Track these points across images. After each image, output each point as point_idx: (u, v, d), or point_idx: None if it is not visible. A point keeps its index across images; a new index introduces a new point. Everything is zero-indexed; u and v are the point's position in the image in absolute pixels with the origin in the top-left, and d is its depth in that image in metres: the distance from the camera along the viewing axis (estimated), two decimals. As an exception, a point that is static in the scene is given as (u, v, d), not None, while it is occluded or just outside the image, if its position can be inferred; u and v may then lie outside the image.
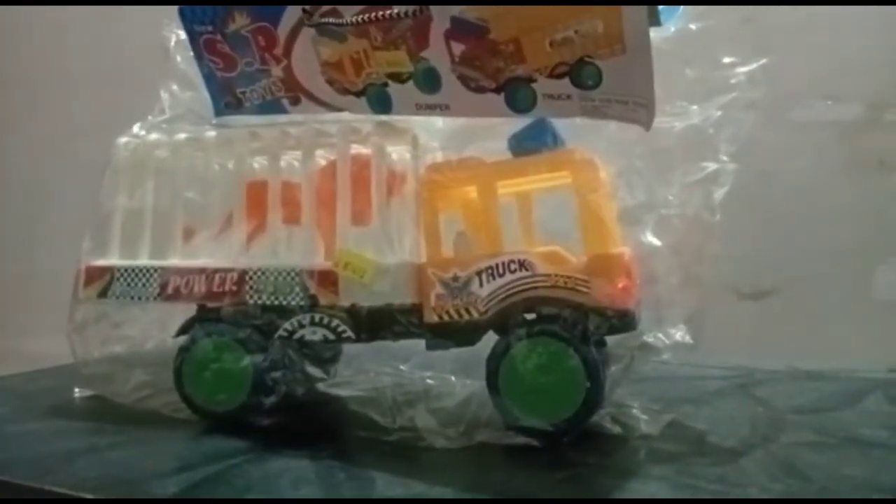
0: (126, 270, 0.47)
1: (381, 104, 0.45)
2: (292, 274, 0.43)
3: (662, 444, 0.40)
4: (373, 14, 0.41)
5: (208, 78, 0.51)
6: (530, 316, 0.40)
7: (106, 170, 0.49)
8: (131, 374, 0.48)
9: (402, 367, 0.53)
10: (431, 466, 0.37)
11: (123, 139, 0.49)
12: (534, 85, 0.39)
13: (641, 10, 0.33)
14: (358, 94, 0.46)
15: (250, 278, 0.44)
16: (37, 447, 0.41)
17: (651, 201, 0.38)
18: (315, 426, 0.45)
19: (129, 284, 0.46)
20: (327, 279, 0.42)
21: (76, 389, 0.52)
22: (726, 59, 0.38)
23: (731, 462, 0.36)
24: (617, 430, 0.41)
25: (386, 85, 0.44)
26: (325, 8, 0.43)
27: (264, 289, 0.44)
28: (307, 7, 0.44)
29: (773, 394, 0.50)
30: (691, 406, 0.47)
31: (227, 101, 0.51)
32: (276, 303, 0.43)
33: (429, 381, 0.51)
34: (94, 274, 0.47)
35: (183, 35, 0.53)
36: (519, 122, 0.42)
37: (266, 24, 0.47)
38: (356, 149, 0.45)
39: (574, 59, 0.36)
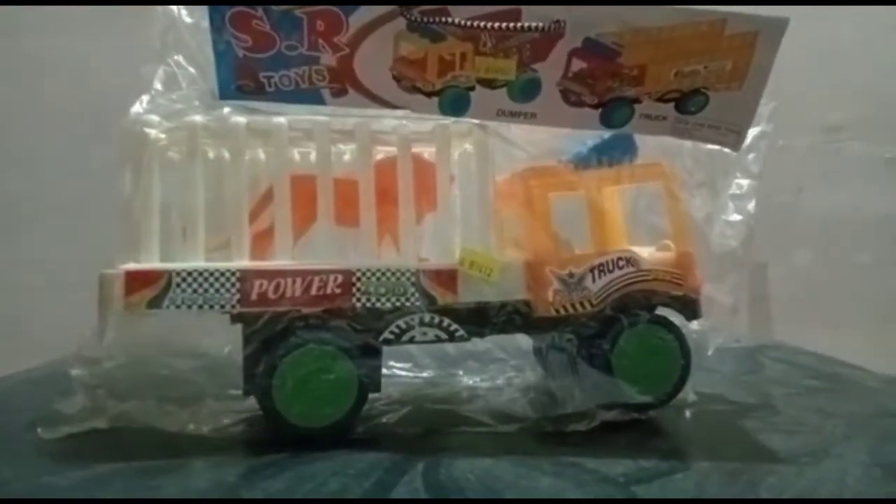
0: (190, 275, 0.39)
1: (456, 107, 0.46)
2: (407, 274, 0.42)
3: (709, 406, 0.49)
4: (498, 23, 0.42)
5: (223, 55, 0.46)
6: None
7: (133, 156, 0.40)
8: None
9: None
10: (610, 447, 0.40)
11: (153, 118, 0.41)
12: (636, 105, 0.45)
13: (771, 58, 0.41)
14: (430, 93, 0.46)
15: (358, 279, 0.41)
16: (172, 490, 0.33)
17: (714, 209, 0.47)
18: (410, 428, 0.44)
19: (195, 291, 0.39)
20: (446, 278, 0.42)
21: (39, 429, 0.42)
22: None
23: (780, 412, 0.47)
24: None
25: (471, 89, 0.45)
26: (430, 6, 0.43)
27: (374, 290, 0.41)
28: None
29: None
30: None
31: (241, 83, 0.46)
32: (389, 305, 0.41)
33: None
34: (140, 279, 0.39)
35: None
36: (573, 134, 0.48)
37: (334, 8, 0.44)
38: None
39: (690, 88, 0.43)
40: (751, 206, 0.49)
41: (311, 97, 0.46)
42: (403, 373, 0.53)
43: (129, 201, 0.40)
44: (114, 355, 0.42)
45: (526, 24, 0.42)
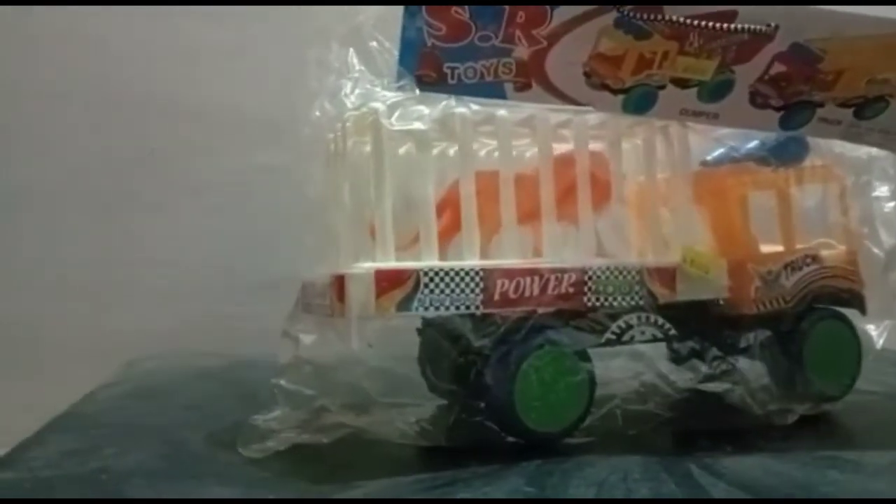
0: (437, 274, 0.37)
1: (640, 105, 0.46)
2: (633, 272, 0.41)
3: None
4: (713, 23, 0.42)
5: (410, 43, 0.43)
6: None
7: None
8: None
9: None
10: (829, 438, 0.42)
11: (382, 106, 0.38)
12: (818, 109, 0.46)
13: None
14: (617, 91, 0.46)
15: (590, 279, 0.40)
16: None
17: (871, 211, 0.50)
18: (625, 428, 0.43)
19: (442, 291, 0.37)
20: (666, 276, 0.42)
21: (240, 449, 0.38)
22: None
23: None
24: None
25: (662, 87, 0.45)
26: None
27: (603, 289, 0.41)
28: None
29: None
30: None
31: (422, 73, 0.44)
32: (617, 303, 0.41)
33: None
34: (390, 280, 0.36)
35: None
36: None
37: (542, -1, 0.43)
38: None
39: (875, 95, 0.46)
40: (891, 206, 0.52)
41: (493, 91, 0.45)
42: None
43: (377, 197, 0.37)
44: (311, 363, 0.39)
45: (741, 26, 0.43)
